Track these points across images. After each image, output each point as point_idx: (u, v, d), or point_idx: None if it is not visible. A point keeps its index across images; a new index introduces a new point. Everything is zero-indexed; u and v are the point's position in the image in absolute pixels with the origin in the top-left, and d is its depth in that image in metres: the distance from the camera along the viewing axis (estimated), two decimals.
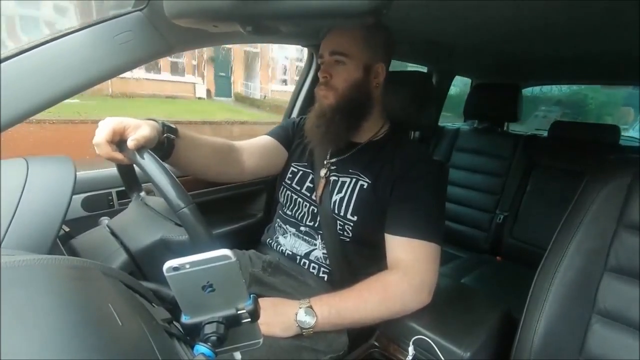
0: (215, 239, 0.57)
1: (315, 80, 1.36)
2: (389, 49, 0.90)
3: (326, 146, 0.90)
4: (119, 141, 0.63)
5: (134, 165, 0.70)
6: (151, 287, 0.51)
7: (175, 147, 0.74)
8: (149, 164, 0.59)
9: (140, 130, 0.63)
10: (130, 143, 0.61)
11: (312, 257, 0.90)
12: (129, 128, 0.63)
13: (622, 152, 1.64)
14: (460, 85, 2.52)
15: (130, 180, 0.78)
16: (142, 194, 0.78)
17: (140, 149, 0.61)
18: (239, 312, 0.36)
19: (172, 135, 0.73)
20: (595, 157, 0.81)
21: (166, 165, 0.61)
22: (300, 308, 0.72)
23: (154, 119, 0.71)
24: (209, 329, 0.35)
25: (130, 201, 0.79)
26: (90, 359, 0.24)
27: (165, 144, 0.72)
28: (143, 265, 0.62)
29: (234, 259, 0.34)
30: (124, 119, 0.64)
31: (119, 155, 0.63)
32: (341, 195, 0.87)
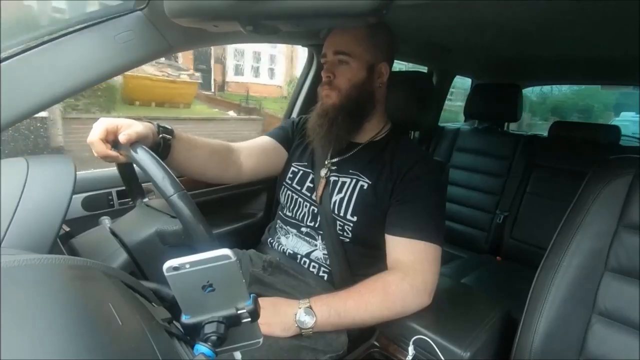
0: (207, 224, 0.58)
1: (315, 80, 1.36)
2: (392, 49, 0.90)
3: (327, 146, 0.89)
4: (113, 141, 0.64)
5: (134, 167, 0.70)
6: (151, 286, 0.50)
7: (171, 148, 0.75)
8: (141, 156, 0.60)
9: (132, 127, 0.64)
10: (122, 137, 0.62)
11: (312, 257, 0.90)
12: (121, 127, 0.64)
13: (622, 152, 1.63)
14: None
15: (133, 187, 0.78)
16: (146, 199, 0.78)
17: (133, 144, 0.62)
18: (239, 311, 0.36)
19: (168, 136, 0.73)
20: (595, 157, 0.81)
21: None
22: (300, 308, 0.72)
23: (150, 121, 0.71)
24: (209, 329, 0.35)
25: (130, 200, 0.80)
26: (90, 358, 0.24)
27: (161, 144, 0.72)
28: (142, 262, 0.62)
29: (234, 258, 0.34)
30: (117, 119, 0.65)
31: (112, 153, 0.64)
32: (341, 195, 0.87)
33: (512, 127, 2.28)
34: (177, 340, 0.37)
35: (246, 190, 1.31)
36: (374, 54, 0.84)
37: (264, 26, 0.58)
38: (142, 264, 0.62)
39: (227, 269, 0.34)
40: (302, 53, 1.43)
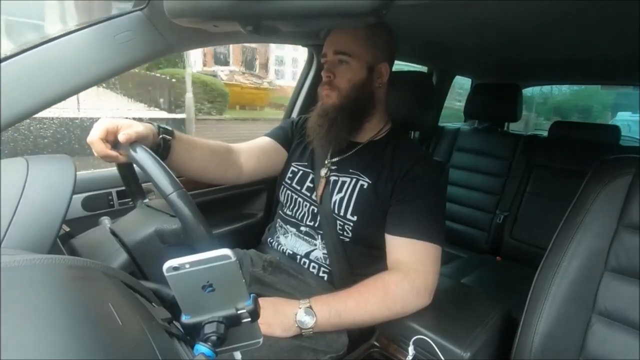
0: (206, 223, 0.58)
1: (315, 80, 1.36)
2: (392, 49, 0.90)
3: (327, 146, 0.90)
4: (113, 141, 0.64)
5: (134, 168, 0.70)
6: (151, 287, 0.50)
7: (171, 149, 0.75)
8: (140, 155, 0.60)
9: (132, 127, 0.64)
10: (122, 137, 0.62)
11: (312, 257, 0.90)
12: (122, 127, 0.64)
13: (622, 152, 1.63)
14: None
15: (133, 188, 0.78)
16: (146, 200, 0.79)
17: (133, 144, 0.62)
18: (239, 311, 0.36)
19: (168, 137, 0.74)
20: (595, 157, 0.81)
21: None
22: (300, 308, 0.72)
23: (150, 122, 0.72)
24: (209, 329, 0.35)
25: (130, 201, 0.80)
26: (90, 359, 0.24)
27: (161, 145, 0.72)
28: (142, 261, 0.62)
29: (233, 258, 0.34)
30: (118, 119, 0.65)
31: (112, 153, 0.64)
32: (341, 195, 0.87)
33: (520, 126, 2.29)
34: (177, 340, 0.37)
35: (246, 190, 1.31)
36: (374, 54, 0.84)
37: (264, 26, 0.58)
38: (142, 264, 0.62)
39: (227, 269, 0.34)
40: None
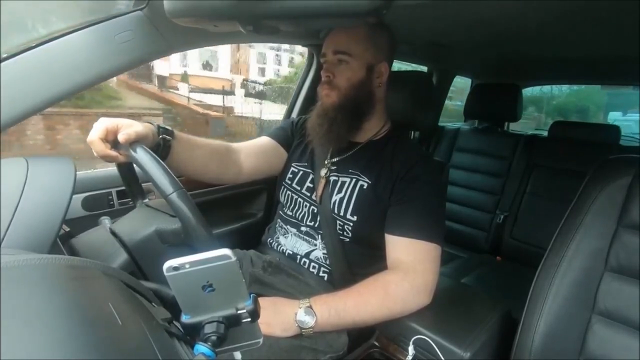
0: (206, 223, 0.58)
1: (315, 80, 1.36)
2: (391, 48, 0.90)
3: (327, 145, 0.90)
4: (113, 140, 0.64)
5: (134, 168, 0.70)
6: (151, 286, 0.50)
7: (171, 148, 0.75)
8: (140, 155, 0.60)
9: (132, 127, 0.64)
10: (121, 137, 0.62)
11: (312, 257, 0.90)
12: (122, 127, 0.64)
13: (622, 152, 1.63)
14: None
15: (133, 188, 0.78)
16: (146, 200, 0.79)
17: (133, 143, 0.62)
18: (239, 311, 0.36)
19: (168, 137, 0.74)
20: (595, 157, 0.81)
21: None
22: (300, 308, 0.72)
23: (150, 122, 0.72)
24: (209, 329, 0.35)
25: (130, 201, 0.80)
26: (90, 358, 0.24)
27: (161, 145, 0.72)
28: (142, 261, 0.62)
29: (233, 258, 0.34)
30: (118, 119, 0.65)
31: (112, 153, 0.64)
32: (341, 195, 0.87)
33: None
34: (177, 340, 0.37)
35: (246, 190, 1.31)
36: (374, 54, 0.84)
37: (264, 26, 0.58)
38: (142, 263, 0.62)
39: (227, 269, 0.34)
40: None
